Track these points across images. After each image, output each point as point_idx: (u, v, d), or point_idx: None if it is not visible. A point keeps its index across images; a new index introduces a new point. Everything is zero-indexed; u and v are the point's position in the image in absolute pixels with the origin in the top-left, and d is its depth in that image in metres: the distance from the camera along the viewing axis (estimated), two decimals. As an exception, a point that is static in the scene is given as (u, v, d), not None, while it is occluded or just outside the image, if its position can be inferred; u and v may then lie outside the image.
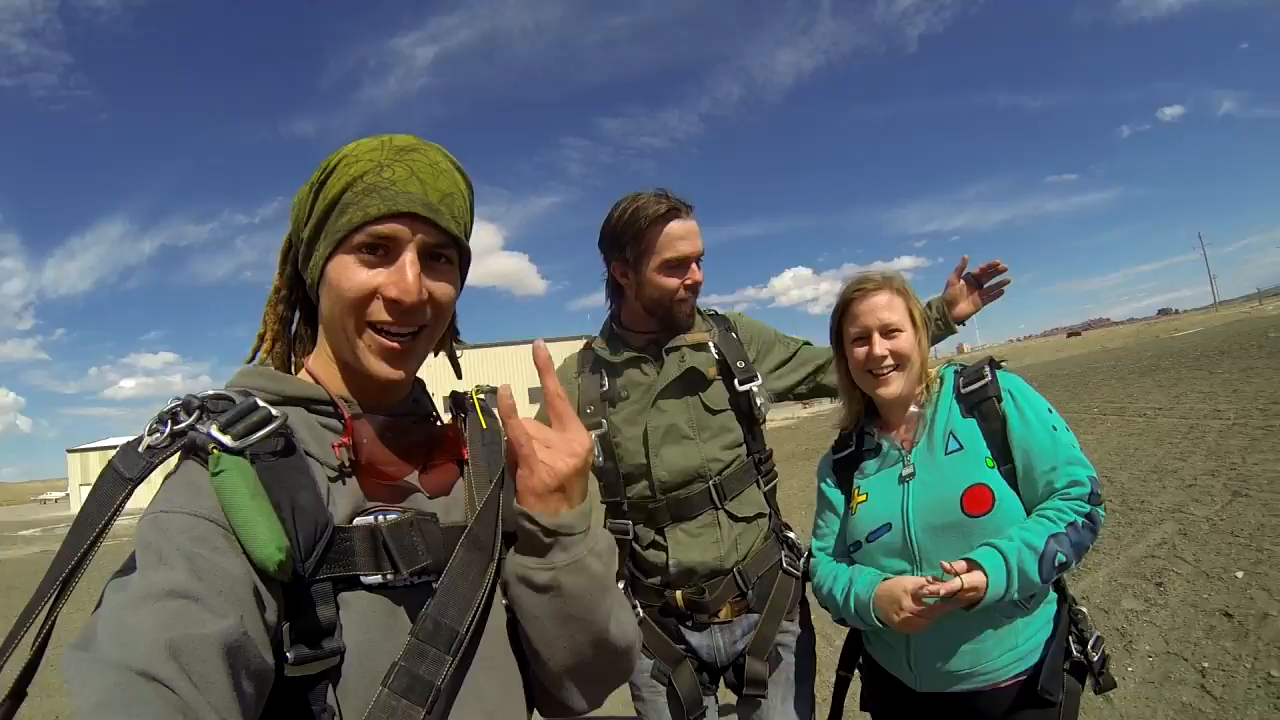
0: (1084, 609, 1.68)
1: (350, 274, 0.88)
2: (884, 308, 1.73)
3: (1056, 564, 1.50)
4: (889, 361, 1.71)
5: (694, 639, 1.92)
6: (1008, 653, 1.58)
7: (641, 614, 1.92)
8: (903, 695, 1.71)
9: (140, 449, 0.77)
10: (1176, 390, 13.77)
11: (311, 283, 0.95)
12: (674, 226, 1.89)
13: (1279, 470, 6.51)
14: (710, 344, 2.01)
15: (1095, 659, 1.62)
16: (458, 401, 1.10)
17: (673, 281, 1.91)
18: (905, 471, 1.70)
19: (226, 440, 0.76)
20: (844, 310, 1.80)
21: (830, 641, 5.16)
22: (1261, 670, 3.37)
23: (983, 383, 1.70)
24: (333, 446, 0.88)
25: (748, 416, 1.99)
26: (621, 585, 1.92)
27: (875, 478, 1.77)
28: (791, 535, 2.06)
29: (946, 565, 1.49)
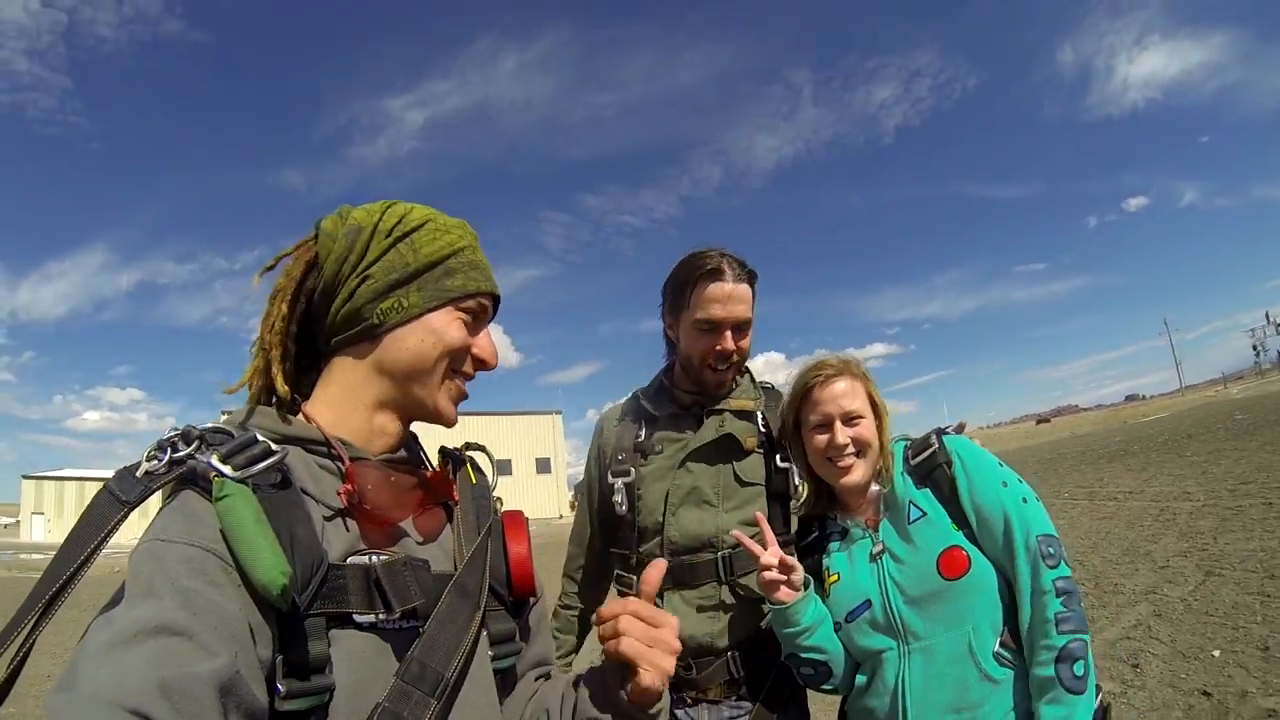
0: None
1: (457, 328, 1.00)
2: (845, 395, 1.68)
3: (1083, 665, 1.45)
4: (851, 449, 1.66)
5: (679, 712, 1.79)
6: (1008, 714, 1.50)
7: None
8: None
9: (138, 474, 0.77)
10: (1146, 474, 13.91)
11: (379, 323, 0.97)
12: (713, 288, 1.79)
13: (1250, 549, 6.52)
14: (758, 414, 1.93)
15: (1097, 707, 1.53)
16: (447, 454, 1.13)
17: (700, 345, 1.83)
18: (875, 549, 1.64)
19: (227, 470, 0.77)
20: (804, 397, 1.74)
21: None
22: (1244, 748, 3.25)
23: (929, 451, 1.68)
24: (338, 493, 0.89)
25: (781, 495, 1.89)
26: None
27: (843, 556, 1.71)
28: None
29: None
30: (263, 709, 0.71)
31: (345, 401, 0.98)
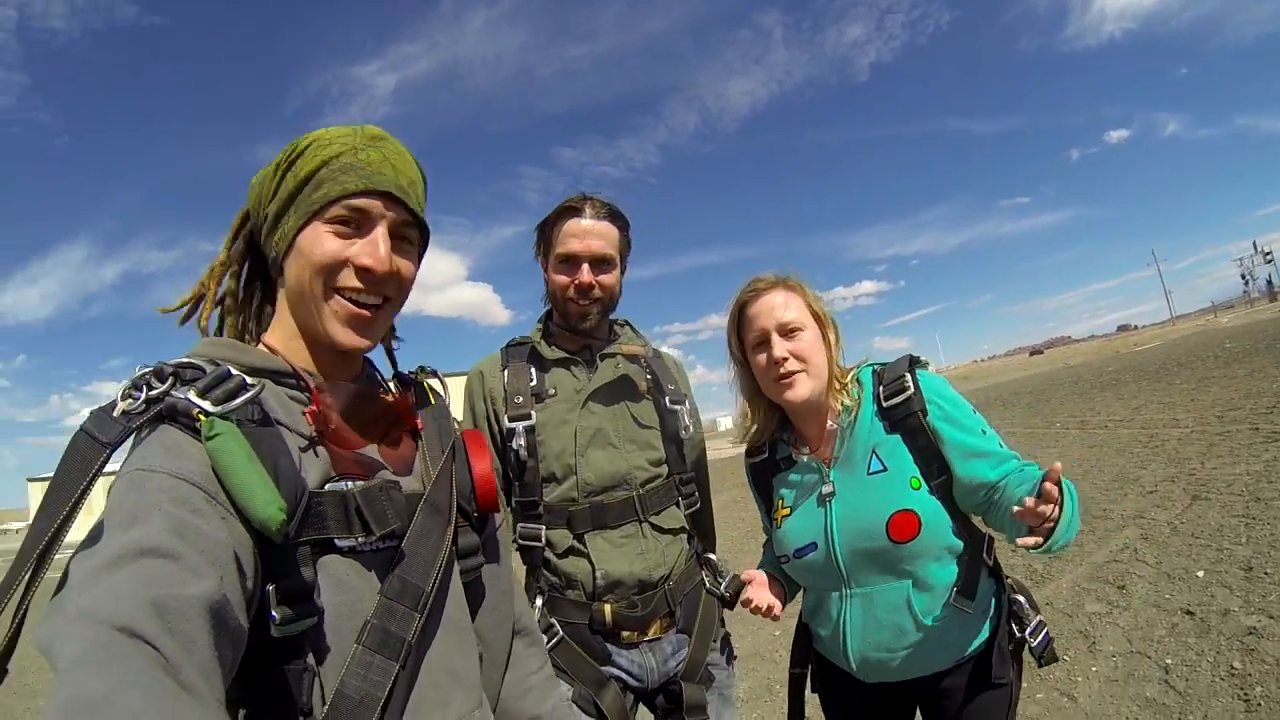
0: (1020, 597, 1.65)
1: (323, 242, 0.94)
2: (780, 307, 1.63)
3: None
4: (791, 364, 1.60)
5: (623, 659, 1.78)
6: (948, 648, 1.55)
7: (561, 634, 1.76)
8: (849, 683, 1.68)
9: (115, 414, 0.75)
10: (1136, 402, 14.00)
11: (278, 255, 0.98)
12: (570, 224, 1.85)
13: (1236, 473, 6.60)
14: (643, 359, 1.98)
15: (1036, 642, 1.60)
16: (404, 380, 1.16)
17: (561, 279, 1.87)
18: (826, 490, 1.62)
19: (208, 406, 0.77)
20: (739, 317, 1.71)
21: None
22: (1224, 663, 3.35)
23: (905, 396, 1.58)
24: (304, 414, 0.91)
25: (674, 438, 1.95)
26: (539, 603, 1.79)
27: (796, 492, 1.71)
28: (713, 557, 1.99)
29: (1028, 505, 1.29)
30: (244, 638, 0.72)
31: (292, 337, 1.00)
